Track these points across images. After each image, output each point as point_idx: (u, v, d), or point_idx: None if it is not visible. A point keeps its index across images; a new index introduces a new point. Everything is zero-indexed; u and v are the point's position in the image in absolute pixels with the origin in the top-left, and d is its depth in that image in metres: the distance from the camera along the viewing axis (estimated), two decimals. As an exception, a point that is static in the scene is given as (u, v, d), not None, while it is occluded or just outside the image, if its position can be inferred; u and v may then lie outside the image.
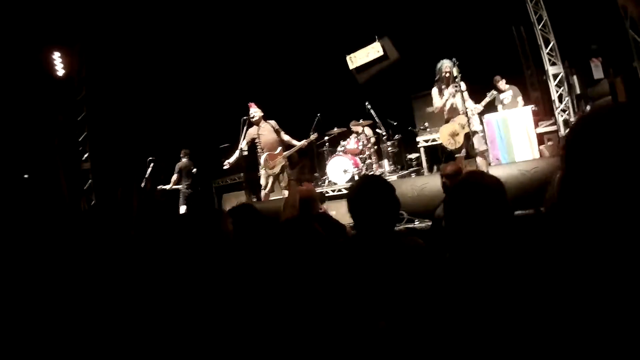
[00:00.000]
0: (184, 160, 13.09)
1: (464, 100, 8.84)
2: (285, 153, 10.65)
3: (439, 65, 9.09)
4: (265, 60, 14.82)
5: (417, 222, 8.63)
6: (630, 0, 9.78)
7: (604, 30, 10.96)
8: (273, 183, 10.69)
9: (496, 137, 10.88)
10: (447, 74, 8.95)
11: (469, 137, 8.79)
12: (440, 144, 9.65)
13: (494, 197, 2.44)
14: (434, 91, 9.29)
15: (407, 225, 8.58)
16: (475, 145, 8.76)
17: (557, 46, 11.96)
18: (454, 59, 8.91)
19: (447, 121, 9.25)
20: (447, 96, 9.04)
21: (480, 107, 9.59)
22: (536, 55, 12.76)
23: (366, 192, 3.21)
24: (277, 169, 10.59)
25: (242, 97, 11.43)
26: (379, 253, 3.03)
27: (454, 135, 8.98)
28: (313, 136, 11.23)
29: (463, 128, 8.89)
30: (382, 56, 14.19)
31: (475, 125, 9.08)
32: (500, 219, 2.40)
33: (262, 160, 10.63)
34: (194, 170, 13.10)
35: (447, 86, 9.01)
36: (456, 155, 9.02)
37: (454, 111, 9.10)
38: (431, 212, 6.33)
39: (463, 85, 8.93)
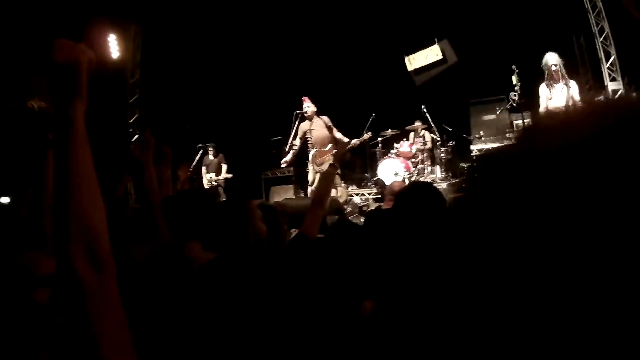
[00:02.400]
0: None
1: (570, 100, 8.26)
2: (335, 151, 10.34)
3: (543, 60, 8.55)
4: (323, 55, 14.78)
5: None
6: None
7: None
8: None
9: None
10: (555, 67, 8.35)
11: None
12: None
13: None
14: (542, 88, 8.70)
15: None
16: None
17: (618, 60, 11.67)
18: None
19: None
20: (550, 95, 8.50)
21: None
22: (596, 68, 12.45)
23: (415, 198, 3.07)
24: (325, 166, 10.26)
25: (297, 91, 11.27)
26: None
27: None
28: (366, 135, 11.05)
29: None
30: (441, 59, 14.12)
31: None
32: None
33: (310, 156, 10.49)
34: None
35: (557, 82, 8.41)
36: None
37: None
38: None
39: (573, 87, 8.49)
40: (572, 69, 13.50)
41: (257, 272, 2.78)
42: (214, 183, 13.11)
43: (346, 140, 10.51)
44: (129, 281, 2.34)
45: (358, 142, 10.66)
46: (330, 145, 10.39)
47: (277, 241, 3.36)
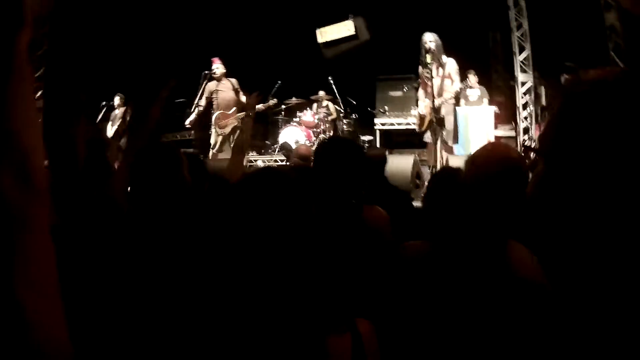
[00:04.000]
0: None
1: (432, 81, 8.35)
2: (238, 114, 10.10)
3: (421, 40, 8.55)
4: (235, 17, 14.45)
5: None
6: None
7: (584, 50, 10.97)
8: (223, 143, 10.23)
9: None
10: (429, 45, 8.40)
11: (432, 122, 8.47)
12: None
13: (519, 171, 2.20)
14: (420, 69, 8.86)
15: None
16: (445, 134, 8.50)
17: (532, 56, 12.01)
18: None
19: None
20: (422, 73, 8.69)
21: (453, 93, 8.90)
22: (508, 61, 12.80)
23: (337, 152, 2.97)
24: (227, 129, 10.18)
25: (205, 52, 11.03)
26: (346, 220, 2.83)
27: (421, 116, 8.75)
28: (272, 102, 10.91)
29: (430, 113, 8.52)
30: (353, 35, 13.98)
31: (442, 111, 8.57)
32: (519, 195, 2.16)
33: (213, 118, 10.24)
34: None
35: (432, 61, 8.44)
36: (427, 141, 8.79)
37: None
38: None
39: (449, 65, 8.57)
40: (483, 59, 13.86)
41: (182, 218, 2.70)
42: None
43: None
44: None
45: (263, 108, 10.46)
46: (234, 108, 10.13)
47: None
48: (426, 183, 8.33)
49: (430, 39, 8.37)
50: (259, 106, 10.10)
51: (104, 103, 12.53)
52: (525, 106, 11.98)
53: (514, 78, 12.30)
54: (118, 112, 12.60)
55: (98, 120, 12.33)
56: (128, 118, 12.29)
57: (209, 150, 10.43)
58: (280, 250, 1.48)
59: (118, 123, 12.40)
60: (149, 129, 3.15)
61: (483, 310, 2.02)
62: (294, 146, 11.30)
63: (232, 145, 9.96)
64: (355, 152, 2.97)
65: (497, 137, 11.16)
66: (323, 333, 1.49)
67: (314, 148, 10.82)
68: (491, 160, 2.25)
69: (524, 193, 2.11)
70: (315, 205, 1.72)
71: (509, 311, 1.98)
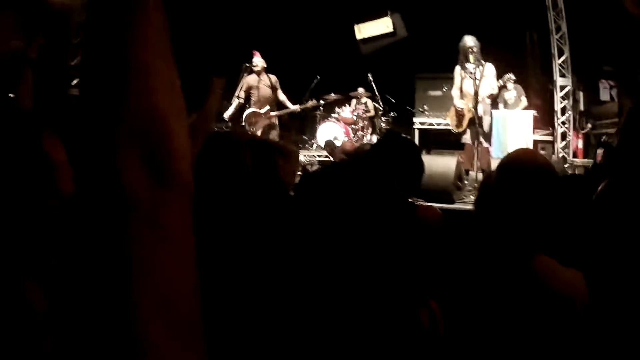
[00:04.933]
0: None
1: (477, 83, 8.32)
2: (272, 113, 10.15)
3: (461, 42, 8.60)
4: (274, 12, 14.41)
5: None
6: None
7: (621, 53, 10.88)
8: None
9: (493, 134, 10.77)
10: (471, 49, 8.42)
11: (473, 122, 8.48)
12: (436, 129, 9.36)
13: (549, 179, 2.21)
14: (456, 69, 8.89)
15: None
16: (481, 134, 8.47)
17: (570, 59, 11.92)
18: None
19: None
20: (460, 75, 8.71)
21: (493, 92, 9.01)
22: (546, 64, 12.73)
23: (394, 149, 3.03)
24: (257, 128, 10.05)
25: (243, 46, 10.89)
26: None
27: (458, 116, 8.73)
28: (310, 103, 10.95)
29: (469, 111, 8.55)
30: (391, 32, 14.02)
31: (481, 111, 8.54)
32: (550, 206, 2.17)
33: (245, 115, 10.15)
34: None
35: (471, 64, 8.43)
36: (465, 142, 8.81)
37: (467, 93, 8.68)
38: (425, 192, 6.21)
39: (488, 69, 8.56)
40: (521, 62, 13.75)
41: None
42: None
43: (289, 104, 10.32)
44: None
45: (299, 109, 10.53)
46: (268, 107, 10.11)
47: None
48: (467, 185, 8.43)
49: (471, 43, 8.41)
50: (295, 107, 10.21)
51: None
52: (563, 111, 11.88)
53: (552, 81, 12.23)
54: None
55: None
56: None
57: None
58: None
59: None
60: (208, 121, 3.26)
61: (509, 324, 2.05)
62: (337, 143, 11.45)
63: None
64: (413, 151, 3.07)
65: (534, 142, 10.98)
66: (416, 305, 1.70)
67: (357, 144, 11.00)
68: (518, 167, 2.29)
69: (558, 200, 2.16)
70: (371, 201, 1.83)
71: (537, 326, 1.98)
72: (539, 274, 2.05)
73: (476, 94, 8.20)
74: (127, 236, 0.72)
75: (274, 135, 10.08)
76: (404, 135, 5.13)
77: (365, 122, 12.36)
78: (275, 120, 10.26)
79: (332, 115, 12.62)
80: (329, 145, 11.21)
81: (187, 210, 0.79)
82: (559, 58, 12.00)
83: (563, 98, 11.94)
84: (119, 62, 0.76)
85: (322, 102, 12.14)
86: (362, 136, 12.09)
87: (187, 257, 0.78)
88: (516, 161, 2.39)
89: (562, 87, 11.97)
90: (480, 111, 8.42)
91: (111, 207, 0.73)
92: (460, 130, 8.74)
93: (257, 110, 10.08)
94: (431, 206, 3.17)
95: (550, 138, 11.63)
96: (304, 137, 13.58)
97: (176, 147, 0.79)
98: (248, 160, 2.86)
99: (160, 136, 0.77)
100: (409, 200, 3.09)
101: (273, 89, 10.14)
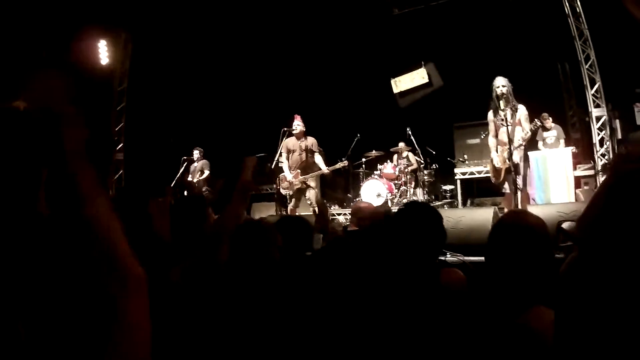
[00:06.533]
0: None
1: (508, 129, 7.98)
2: (301, 177, 10.26)
3: (492, 85, 8.31)
4: (312, 74, 14.86)
5: (449, 256, 8.50)
6: None
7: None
8: (298, 199, 10.41)
9: (534, 176, 10.70)
10: (502, 90, 8.13)
11: (510, 171, 8.10)
12: (477, 177, 9.27)
13: (536, 237, 2.37)
14: (489, 115, 8.58)
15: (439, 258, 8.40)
16: (518, 181, 8.07)
17: (603, 87, 11.82)
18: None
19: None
20: (494, 123, 8.42)
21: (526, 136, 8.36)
22: (580, 95, 12.67)
23: (414, 217, 3.12)
24: (291, 189, 10.35)
25: (283, 109, 11.42)
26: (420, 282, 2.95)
27: (496, 170, 8.55)
28: (340, 164, 10.91)
29: (504, 162, 8.27)
30: (427, 83, 14.26)
31: (516, 158, 8.15)
32: (542, 261, 2.32)
33: (279, 177, 10.50)
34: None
35: (505, 106, 8.16)
36: (505, 191, 8.71)
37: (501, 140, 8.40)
38: (465, 246, 6.31)
39: (520, 112, 8.25)
40: (556, 95, 13.73)
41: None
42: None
43: (322, 166, 10.38)
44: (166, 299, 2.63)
45: (328, 171, 10.48)
46: (298, 171, 10.29)
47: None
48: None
49: (502, 84, 8.15)
50: (325, 170, 10.30)
51: (184, 158, 13.06)
52: (602, 142, 11.74)
53: (587, 113, 12.10)
54: (197, 164, 13.17)
55: (179, 173, 12.88)
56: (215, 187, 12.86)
57: (288, 204, 10.59)
58: None
59: (197, 175, 13.03)
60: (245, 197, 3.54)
61: None
62: (376, 199, 11.58)
63: (309, 203, 10.29)
64: (435, 218, 3.13)
65: (576, 178, 10.84)
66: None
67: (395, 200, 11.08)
68: (507, 229, 2.46)
69: (548, 258, 2.29)
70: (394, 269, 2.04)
71: None
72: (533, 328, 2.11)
73: (510, 141, 7.87)
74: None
75: (310, 194, 10.26)
76: (426, 203, 5.24)
77: (408, 177, 12.41)
78: (311, 182, 10.30)
79: (375, 172, 12.70)
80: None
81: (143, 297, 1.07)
82: (591, 88, 11.89)
83: (600, 129, 11.80)
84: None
85: (345, 162, 11.53)
86: (406, 191, 12.17)
87: (143, 340, 1.03)
88: (505, 223, 2.57)
89: (598, 118, 11.84)
90: (516, 158, 8.10)
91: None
92: (500, 181, 8.61)
93: (284, 174, 10.38)
94: (455, 270, 3.30)
95: (592, 172, 11.45)
96: (349, 195, 13.69)
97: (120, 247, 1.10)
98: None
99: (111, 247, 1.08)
100: (435, 261, 3.20)
101: (310, 152, 10.30)
